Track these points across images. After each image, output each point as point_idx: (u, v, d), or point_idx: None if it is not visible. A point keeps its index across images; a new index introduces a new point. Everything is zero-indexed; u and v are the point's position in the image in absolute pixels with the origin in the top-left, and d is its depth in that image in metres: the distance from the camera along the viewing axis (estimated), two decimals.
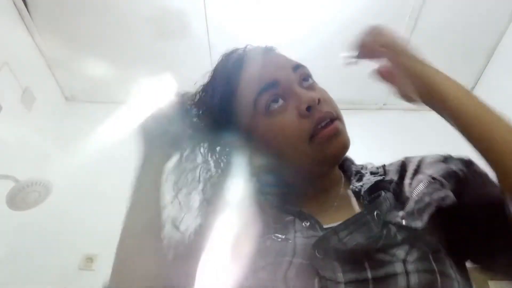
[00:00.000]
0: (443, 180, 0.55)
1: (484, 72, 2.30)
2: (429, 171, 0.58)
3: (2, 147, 1.89)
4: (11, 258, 1.94)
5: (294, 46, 2.20)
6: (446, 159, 0.61)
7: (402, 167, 0.63)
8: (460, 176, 0.56)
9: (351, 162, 0.69)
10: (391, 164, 0.65)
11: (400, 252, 0.47)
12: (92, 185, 2.11)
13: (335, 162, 0.62)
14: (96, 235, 1.81)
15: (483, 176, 0.56)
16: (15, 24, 2.03)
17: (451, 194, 0.52)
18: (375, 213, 0.52)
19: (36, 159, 2.13)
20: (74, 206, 2.03)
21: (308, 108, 0.58)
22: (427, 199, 0.52)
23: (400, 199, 0.56)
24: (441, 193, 0.52)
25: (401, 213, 0.53)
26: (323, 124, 0.57)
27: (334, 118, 0.59)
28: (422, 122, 2.52)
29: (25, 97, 2.06)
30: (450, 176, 0.56)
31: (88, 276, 1.89)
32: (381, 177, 0.61)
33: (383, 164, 0.67)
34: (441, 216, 0.51)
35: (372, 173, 0.64)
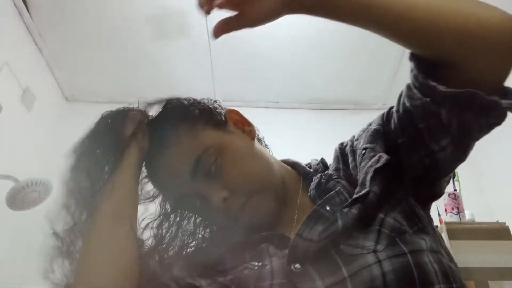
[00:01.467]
0: (371, 145, 0.57)
1: None
2: (360, 143, 0.60)
3: (2, 147, 1.89)
4: (11, 258, 1.94)
5: (294, 46, 2.21)
6: (370, 123, 0.63)
7: (341, 152, 0.65)
8: (381, 131, 0.58)
9: (301, 166, 0.71)
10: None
11: (369, 243, 0.48)
12: None
13: (267, 226, 0.59)
14: None
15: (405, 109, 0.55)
16: (15, 24, 2.03)
17: (382, 153, 0.54)
18: (326, 206, 0.53)
19: (36, 159, 2.13)
20: None
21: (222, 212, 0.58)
22: (365, 169, 0.54)
23: (354, 183, 0.57)
24: (375, 157, 0.54)
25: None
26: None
27: (250, 196, 0.59)
28: None
29: (25, 97, 2.06)
30: (374, 137, 0.58)
31: None
32: (322, 173, 0.63)
33: (321, 158, 0.71)
34: (387, 174, 0.53)
35: (316, 170, 0.66)
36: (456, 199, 1.62)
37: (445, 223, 1.52)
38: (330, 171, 0.63)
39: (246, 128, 0.69)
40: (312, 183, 0.62)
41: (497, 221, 1.57)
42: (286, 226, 0.59)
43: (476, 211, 1.73)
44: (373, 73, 2.36)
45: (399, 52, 2.19)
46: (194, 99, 0.67)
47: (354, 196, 0.52)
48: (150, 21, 2.10)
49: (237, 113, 0.72)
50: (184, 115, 0.63)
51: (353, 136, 0.65)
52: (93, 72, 2.35)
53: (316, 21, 2.09)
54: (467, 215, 1.64)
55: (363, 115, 2.53)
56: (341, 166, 0.62)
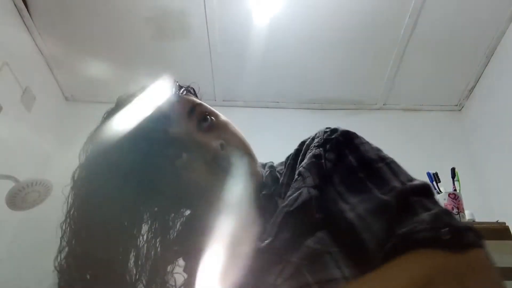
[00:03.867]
0: (306, 173, 0.52)
1: (484, 72, 2.30)
2: (304, 160, 0.55)
3: (2, 147, 1.88)
4: (11, 258, 1.94)
5: (294, 46, 2.21)
6: (326, 141, 0.56)
7: (297, 153, 0.60)
8: (325, 169, 0.52)
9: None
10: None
11: (270, 277, 0.45)
12: None
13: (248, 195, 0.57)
14: None
15: (354, 170, 0.50)
16: (15, 24, 2.03)
17: (305, 189, 0.50)
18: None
19: (36, 159, 2.13)
20: None
21: (215, 158, 0.56)
22: (280, 207, 0.50)
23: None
24: (295, 194, 0.50)
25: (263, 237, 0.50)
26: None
27: (243, 155, 0.58)
28: (422, 122, 2.53)
29: (25, 97, 2.06)
30: (316, 167, 0.52)
31: None
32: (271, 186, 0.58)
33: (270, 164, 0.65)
34: (304, 215, 0.48)
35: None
36: (456, 199, 1.62)
37: None
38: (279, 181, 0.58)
39: None
40: (261, 195, 0.57)
41: (497, 221, 1.57)
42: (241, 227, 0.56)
43: (476, 211, 1.73)
44: (373, 73, 2.36)
45: (399, 52, 2.19)
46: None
47: (262, 244, 0.48)
48: (150, 21, 2.10)
49: None
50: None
51: (310, 138, 0.59)
52: (93, 72, 2.35)
53: (316, 21, 2.10)
54: (467, 215, 1.64)
55: (363, 115, 2.53)
56: (285, 180, 0.57)
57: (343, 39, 2.15)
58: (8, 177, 1.61)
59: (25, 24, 2.07)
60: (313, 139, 0.58)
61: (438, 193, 1.68)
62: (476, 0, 2.01)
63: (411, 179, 0.49)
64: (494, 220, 1.60)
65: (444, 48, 2.22)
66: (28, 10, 2.03)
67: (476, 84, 2.38)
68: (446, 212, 0.43)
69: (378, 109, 2.55)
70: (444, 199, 1.62)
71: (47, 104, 2.31)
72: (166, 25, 2.12)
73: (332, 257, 0.45)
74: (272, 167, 0.64)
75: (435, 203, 0.45)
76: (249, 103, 2.52)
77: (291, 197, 0.50)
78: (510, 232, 1.47)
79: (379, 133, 2.49)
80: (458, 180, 1.74)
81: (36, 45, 2.17)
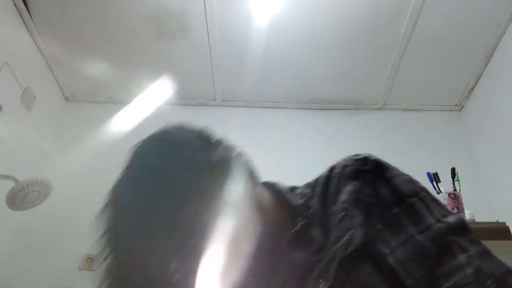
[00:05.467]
0: (353, 212, 0.50)
1: (484, 72, 2.30)
2: (343, 196, 0.52)
3: (2, 147, 1.88)
4: (11, 258, 1.94)
5: (294, 46, 2.21)
6: (359, 172, 0.53)
7: (326, 183, 0.56)
8: (370, 205, 0.50)
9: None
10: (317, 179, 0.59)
11: None
12: (92, 185, 2.11)
13: None
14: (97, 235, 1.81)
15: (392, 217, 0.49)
16: (15, 24, 2.03)
17: (358, 234, 0.48)
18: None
19: (36, 159, 2.13)
20: (74, 206, 2.03)
21: None
22: (333, 251, 0.49)
23: (326, 231, 0.52)
24: (347, 238, 0.48)
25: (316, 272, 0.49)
26: None
27: None
28: (422, 122, 2.53)
29: (25, 97, 2.06)
30: (360, 203, 0.50)
31: (88, 276, 1.89)
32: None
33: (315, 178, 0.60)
34: (356, 257, 0.47)
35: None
36: (456, 199, 1.62)
37: None
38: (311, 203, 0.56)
39: None
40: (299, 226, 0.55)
41: (497, 221, 1.56)
42: None
43: (476, 211, 1.73)
44: (373, 73, 2.36)
45: (399, 52, 2.19)
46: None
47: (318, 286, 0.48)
48: (150, 21, 2.10)
49: None
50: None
51: (340, 168, 0.57)
52: (93, 72, 2.35)
53: (316, 21, 2.10)
54: (467, 215, 1.64)
55: (363, 115, 2.53)
56: (317, 206, 0.55)
57: (343, 39, 2.15)
58: (8, 177, 1.61)
59: (25, 24, 2.07)
60: (343, 167, 0.56)
61: (438, 193, 1.68)
62: (476, 0, 2.01)
63: (445, 214, 0.50)
64: (494, 220, 1.60)
65: (444, 48, 2.22)
66: (28, 10, 2.03)
67: (476, 84, 2.37)
68: (485, 253, 0.47)
69: (378, 109, 2.55)
70: (444, 199, 1.62)
71: (47, 104, 2.31)
72: (166, 25, 2.12)
73: None
74: (302, 194, 0.60)
75: (472, 241, 0.48)
76: (249, 103, 2.52)
77: (342, 239, 0.48)
78: (510, 232, 1.47)
79: (379, 133, 2.50)
80: (458, 180, 1.74)
81: (36, 45, 2.17)
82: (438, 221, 0.48)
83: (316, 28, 2.11)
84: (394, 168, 0.55)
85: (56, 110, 2.41)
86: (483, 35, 2.15)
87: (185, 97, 2.45)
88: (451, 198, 1.62)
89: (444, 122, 2.50)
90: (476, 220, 1.67)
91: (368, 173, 0.53)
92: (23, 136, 2.06)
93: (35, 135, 2.17)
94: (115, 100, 2.44)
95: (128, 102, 2.41)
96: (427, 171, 1.77)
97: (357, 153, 0.57)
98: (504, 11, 2.03)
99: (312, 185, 0.59)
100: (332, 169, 0.58)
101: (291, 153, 2.30)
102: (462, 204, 1.63)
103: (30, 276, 1.91)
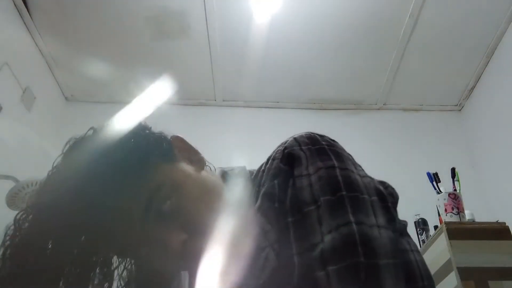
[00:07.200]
0: (267, 226, 0.47)
1: (484, 72, 2.30)
2: (259, 199, 0.50)
3: (2, 147, 1.88)
4: None
5: (294, 46, 2.21)
6: (279, 171, 0.52)
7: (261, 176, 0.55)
8: (276, 213, 0.48)
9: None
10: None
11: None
12: None
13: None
14: None
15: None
16: (15, 24, 2.03)
17: (270, 260, 0.45)
18: None
19: (36, 159, 2.12)
20: None
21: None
22: (249, 278, 0.46)
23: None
24: (260, 264, 0.45)
25: None
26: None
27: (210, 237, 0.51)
28: (422, 122, 2.53)
29: (25, 97, 2.06)
30: (272, 212, 0.48)
31: None
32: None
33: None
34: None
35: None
36: (456, 199, 1.62)
37: (445, 223, 1.52)
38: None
39: (193, 157, 0.58)
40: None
41: (497, 221, 1.56)
42: None
43: (476, 211, 1.73)
44: (373, 73, 2.36)
45: (399, 52, 2.19)
46: (139, 126, 0.57)
47: None
48: (150, 21, 2.10)
49: (182, 140, 0.59)
50: (129, 148, 0.53)
51: (265, 167, 0.55)
52: (93, 72, 2.35)
53: (316, 21, 2.10)
54: (467, 215, 1.64)
55: (363, 115, 2.54)
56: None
57: (343, 39, 2.15)
58: (8, 177, 1.61)
59: (25, 24, 2.07)
60: (271, 160, 0.55)
61: (438, 193, 1.68)
62: (476, 0, 2.01)
63: (330, 229, 0.43)
64: (494, 220, 1.60)
65: (444, 48, 2.22)
66: (28, 10, 2.03)
67: (476, 84, 2.38)
68: None
69: (378, 109, 2.55)
70: (444, 199, 1.62)
71: (47, 104, 2.31)
72: (166, 25, 2.12)
73: None
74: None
75: (344, 275, 0.41)
76: (249, 103, 2.52)
77: (256, 264, 0.45)
78: (510, 232, 1.47)
79: (379, 133, 2.50)
80: (458, 180, 1.74)
81: (36, 45, 2.17)
82: (322, 240, 0.43)
83: (316, 28, 2.12)
84: (312, 162, 0.52)
85: (56, 110, 2.41)
86: (483, 35, 2.15)
87: (185, 97, 2.45)
88: (451, 198, 1.62)
89: (444, 122, 2.50)
90: (476, 220, 1.67)
91: (283, 172, 0.52)
92: (23, 136, 2.06)
93: (35, 135, 2.17)
94: (115, 100, 2.44)
95: (128, 102, 2.40)
96: (427, 171, 1.77)
97: (288, 138, 0.57)
98: (504, 11, 2.04)
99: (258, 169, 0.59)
100: (268, 159, 0.57)
101: None
102: (462, 204, 1.63)
103: None
